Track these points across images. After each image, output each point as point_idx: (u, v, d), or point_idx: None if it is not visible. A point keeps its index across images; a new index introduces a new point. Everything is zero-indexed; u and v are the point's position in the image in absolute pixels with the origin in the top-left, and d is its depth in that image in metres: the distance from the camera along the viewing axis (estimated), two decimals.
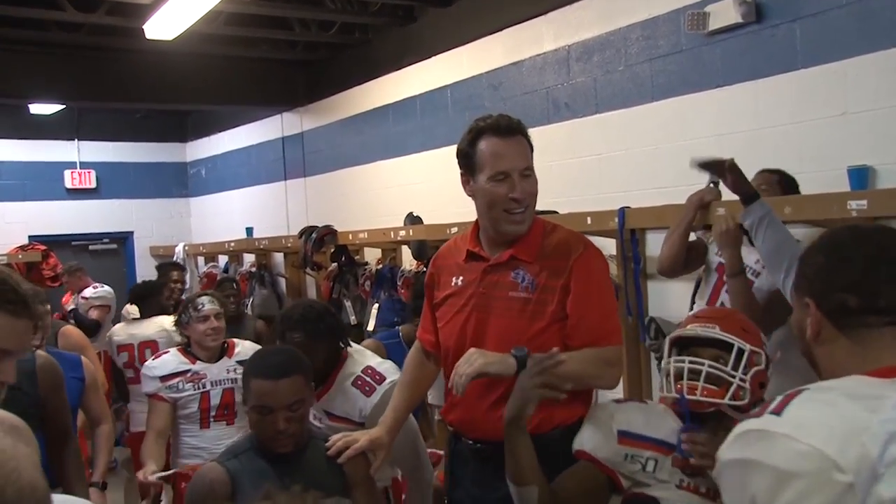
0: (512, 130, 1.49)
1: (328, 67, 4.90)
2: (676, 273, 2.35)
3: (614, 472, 1.34)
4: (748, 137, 2.56)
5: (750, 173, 2.22)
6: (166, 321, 3.31)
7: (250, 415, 1.50)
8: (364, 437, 1.60)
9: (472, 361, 1.38)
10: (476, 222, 1.57)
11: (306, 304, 2.01)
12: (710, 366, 1.30)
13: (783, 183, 2.27)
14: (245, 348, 2.49)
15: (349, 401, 1.85)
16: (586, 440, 1.38)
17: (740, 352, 1.31)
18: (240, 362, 2.41)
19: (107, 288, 4.36)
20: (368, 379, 1.86)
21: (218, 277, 4.86)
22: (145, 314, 3.50)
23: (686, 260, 2.30)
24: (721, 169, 2.04)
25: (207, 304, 2.45)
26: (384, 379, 1.87)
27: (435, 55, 4.01)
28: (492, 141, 1.48)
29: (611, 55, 3.11)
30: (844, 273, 0.87)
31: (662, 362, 1.40)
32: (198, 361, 2.42)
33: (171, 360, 2.42)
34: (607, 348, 1.49)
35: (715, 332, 1.32)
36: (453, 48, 3.89)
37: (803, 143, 2.44)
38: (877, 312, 0.84)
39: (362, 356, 1.96)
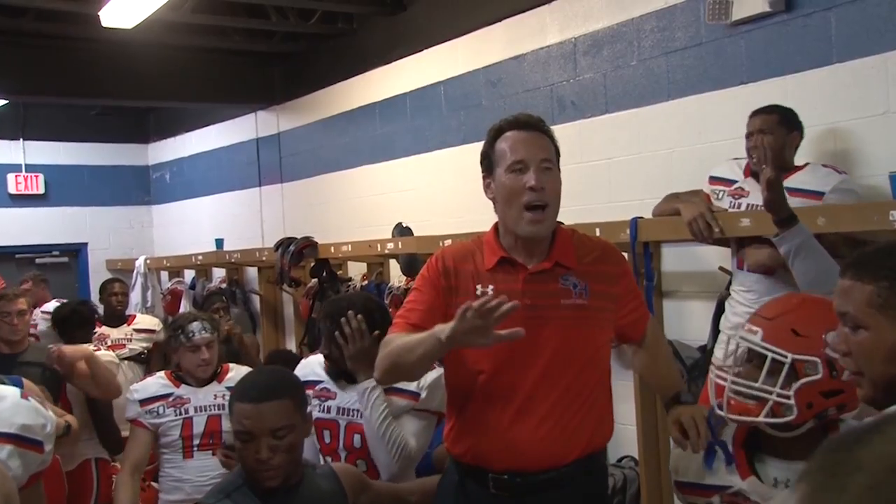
0: (532, 125, 1.58)
1: (308, 61, 4.89)
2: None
3: None
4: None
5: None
6: None
7: (235, 443, 1.52)
8: None
9: (700, 423, 1.46)
10: (493, 229, 1.61)
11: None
12: (732, 381, 1.31)
13: (786, 121, 2.29)
14: (239, 374, 2.49)
15: None
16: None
17: (779, 362, 1.29)
18: (230, 389, 2.39)
19: None
20: None
21: (205, 291, 4.91)
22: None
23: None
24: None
25: (198, 332, 2.42)
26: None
27: (427, 48, 4.00)
28: (511, 134, 1.57)
29: (622, 48, 3.10)
30: None
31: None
32: (182, 385, 2.44)
33: (154, 383, 2.45)
34: (653, 322, 1.71)
35: (755, 339, 1.32)
36: (447, 40, 3.88)
37: (839, 146, 2.42)
38: None
39: None
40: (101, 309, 4.23)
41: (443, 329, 1.41)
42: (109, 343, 3.94)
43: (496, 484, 1.53)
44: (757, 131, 2.30)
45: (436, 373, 1.88)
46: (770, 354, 1.29)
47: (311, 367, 2.10)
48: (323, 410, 1.97)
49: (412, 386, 1.89)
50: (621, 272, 1.61)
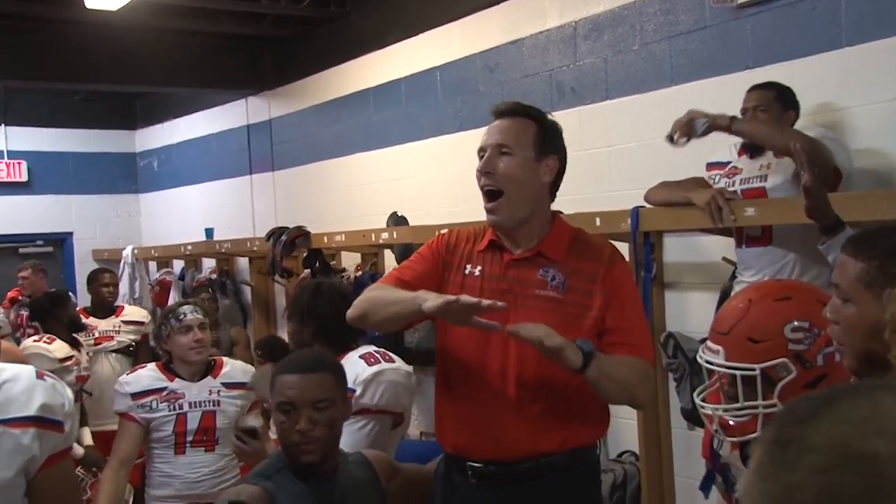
0: (506, 112, 1.60)
1: (300, 45, 4.85)
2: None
3: None
4: None
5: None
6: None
7: (275, 417, 1.54)
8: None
9: (549, 333, 1.41)
10: None
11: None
12: (723, 409, 1.36)
13: (782, 98, 2.32)
14: (234, 369, 2.53)
15: (348, 370, 1.91)
16: None
17: (751, 377, 1.31)
18: (225, 384, 2.45)
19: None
20: (378, 356, 1.97)
21: (194, 282, 4.91)
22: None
23: None
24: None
25: (190, 313, 2.46)
26: (394, 361, 1.96)
27: (422, 32, 3.96)
28: (491, 124, 1.61)
29: (624, 32, 3.08)
30: None
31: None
32: (176, 379, 2.43)
33: (147, 375, 2.43)
34: (647, 362, 1.58)
35: (719, 361, 1.35)
36: (444, 24, 3.84)
37: (849, 132, 2.40)
38: None
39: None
40: (87, 299, 4.20)
41: (425, 298, 1.46)
42: (97, 335, 3.92)
43: (475, 473, 1.55)
44: (752, 108, 2.32)
45: (375, 368, 1.88)
46: (738, 373, 1.30)
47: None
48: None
49: (349, 381, 1.87)
50: (604, 272, 1.55)
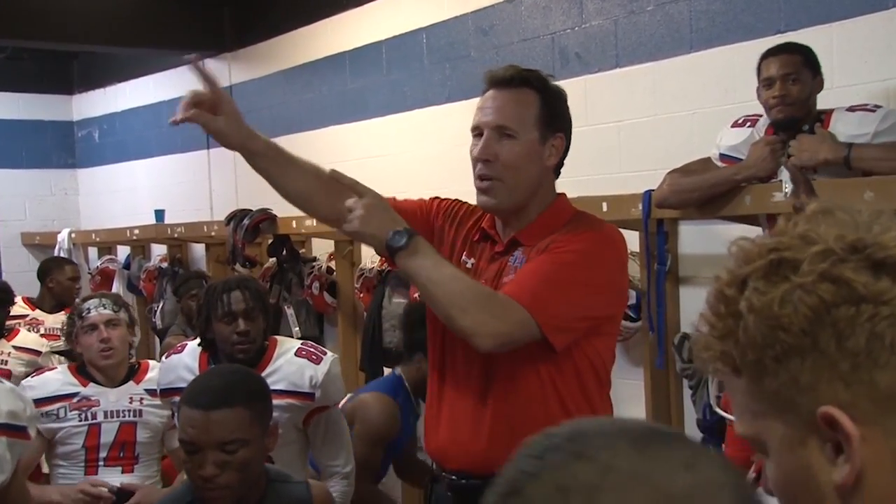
0: (505, 81, 1.55)
1: (265, 0, 4.79)
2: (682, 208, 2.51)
3: None
4: (818, 100, 2.51)
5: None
6: None
7: (181, 453, 1.56)
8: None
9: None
10: None
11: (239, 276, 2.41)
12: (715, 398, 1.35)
13: (810, 63, 2.27)
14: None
15: (296, 370, 2.06)
16: None
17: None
18: (150, 391, 2.36)
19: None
20: (312, 349, 2.15)
21: (142, 272, 4.93)
22: None
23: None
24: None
25: (94, 308, 2.39)
26: (326, 352, 2.17)
27: None
28: (486, 94, 1.58)
29: None
30: None
31: None
32: (91, 384, 2.36)
33: (56, 379, 2.36)
34: (511, 299, 1.45)
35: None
36: None
37: (894, 106, 2.38)
38: None
39: (291, 340, 2.27)
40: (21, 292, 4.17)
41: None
42: (42, 332, 3.91)
43: (448, 484, 1.57)
44: (780, 77, 2.23)
45: (325, 365, 2.07)
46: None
47: (177, 370, 2.13)
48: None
49: (305, 385, 2.05)
50: (552, 240, 1.51)
